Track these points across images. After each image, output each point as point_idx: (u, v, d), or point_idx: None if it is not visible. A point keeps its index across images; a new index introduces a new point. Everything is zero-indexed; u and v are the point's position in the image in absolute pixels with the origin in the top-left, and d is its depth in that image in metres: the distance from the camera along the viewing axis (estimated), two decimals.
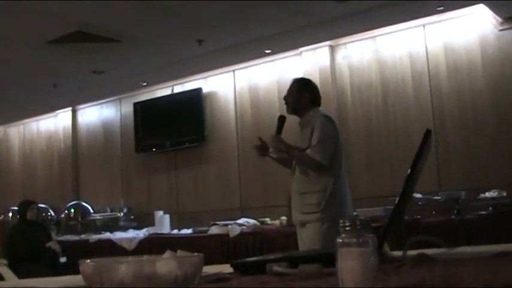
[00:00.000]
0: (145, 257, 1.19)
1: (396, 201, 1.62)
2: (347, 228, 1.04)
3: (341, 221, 1.05)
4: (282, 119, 4.65)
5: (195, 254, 1.15)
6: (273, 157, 4.82)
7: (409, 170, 1.59)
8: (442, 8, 6.32)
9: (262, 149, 4.75)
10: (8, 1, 5.29)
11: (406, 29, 7.01)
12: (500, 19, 6.40)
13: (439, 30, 6.84)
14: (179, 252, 1.23)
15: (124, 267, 1.05)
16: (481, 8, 6.36)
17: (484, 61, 6.53)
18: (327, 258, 1.31)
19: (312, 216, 4.40)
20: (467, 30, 6.66)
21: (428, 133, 1.68)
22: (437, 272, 1.31)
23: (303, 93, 4.67)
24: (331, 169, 4.44)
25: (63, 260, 7.16)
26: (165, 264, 1.07)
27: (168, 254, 1.20)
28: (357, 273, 1.01)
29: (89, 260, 1.09)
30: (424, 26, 6.91)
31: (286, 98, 4.75)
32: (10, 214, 9.39)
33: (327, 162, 4.40)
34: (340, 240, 1.04)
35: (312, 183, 4.46)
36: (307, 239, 4.45)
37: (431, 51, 6.88)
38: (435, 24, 6.84)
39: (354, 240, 1.03)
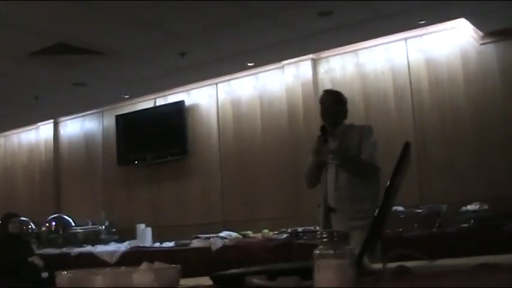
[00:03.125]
0: (122, 269, 1.18)
1: (376, 213, 1.62)
2: (324, 240, 1.04)
3: (318, 233, 1.05)
4: (325, 129, 4.62)
5: (172, 265, 1.14)
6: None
7: (388, 182, 1.59)
8: (423, 21, 6.36)
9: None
10: None
11: (388, 42, 7.05)
12: (481, 33, 6.45)
13: (421, 44, 6.88)
14: (156, 264, 1.22)
15: (100, 279, 1.03)
16: (463, 22, 6.41)
17: (465, 75, 6.58)
18: (305, 271, 1.31)
19: (363, 222, 4.13)
20: (449, 44, 6.71)
21: (407, 145, 1.68)
22: (416, 284, 1.31)
23: (343, 105, 4.84)
24: (377, 175, 4.60)
25: (45, 275, 7.07)
26: (142, 275, 1.06)
27: (145, 265, 1.19)
28: (334, 285, 1.00)
29: (65, 272, 1.08)
30: (406, 39, 6.95)
31: (327, 110, 4.78)
32: None
33: (379, 167, 4.57)
34: (318, 252, 1.03)
35: (362, 189, 4.56)
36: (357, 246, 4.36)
37: (413, 65, 6.92)
38: (417, 38, 6.88)
39: (331, 252, 1.02)
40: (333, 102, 4.81)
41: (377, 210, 1.62)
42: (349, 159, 4.67)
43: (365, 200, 4.46)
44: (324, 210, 4.66)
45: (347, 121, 4.85)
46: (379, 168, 4.55)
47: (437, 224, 5.78)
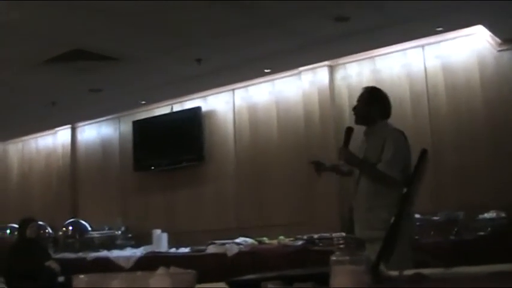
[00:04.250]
0: (138, 273, 1.18)
1: (392, 221, 1.62)
2: (341, 246, 1.04)
3: (335, 239, 1.05)
4: (349, 131, 4.44)
5: (188, 270, 1.14)
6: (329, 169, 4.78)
7: (405, 190, 1.59)
8: (441, 28, 6.34)
9: (318, 165, 4.74)
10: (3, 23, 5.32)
11: (405, 49, 7.03)
12: (499, 40, 6.42)
13: (438, 50, 6.85)
14: (172, 269, 1.23)
15: (117, 283, 1.04)
16: (480, 29, 6.38)
17: (482, 82, 6.55)
18: (321, 277, 1.31)
19: (378, 233, 3.71)
20: (466, 51, 6.68)
21: (424, 153, 1.68)
22: None
23: (373, 103, 4.56)
24: (400, 184, 4.20)
25: (61, 279, 7.11)
26: (158, 280, 1.07)
27: (161, 270, 1.19)
28: None
29: (82, 275, 1.09)
30: (423, 46, 6.93)
31: (355, 108, 4.63)
32: (8, 231, 9.34)
33: (399, 178, 4.19)
34: (334, 258, 1.03)
35: (380, 198, 4.26)
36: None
37: (430, 72, 6.89)
38: (434, 44, 6.86)
39: (347, 258, 1.02)
40: (362, 100, 4.60)
41: (393, 218, 1.61)
42: (358, 165, 4.46)
43: (383, 208, 4.15)
44: (348, 214, 4.57)
45: (390, 121, 4.60)
46: (396, 180, 4.17)
47: (454, 232, 5.74)
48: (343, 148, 4.39)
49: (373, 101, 4.58)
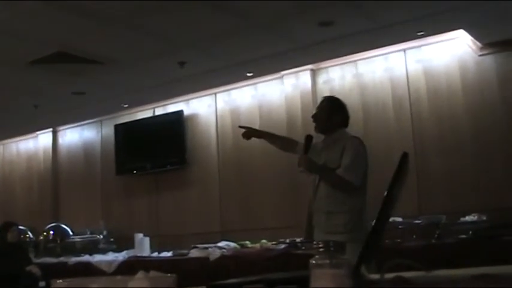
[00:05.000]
0: (118, 277, 1.18)
1: (373, 224, 1.62)
2: (320, 250, 1.04)
3: (314, 242, 1.04)
4: (309, 138, 4.48)
5: (168, 274, 1.14)
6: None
7: (386, 192, 1.59)
8: (422, 32, 6.37)
9: (247, 133, 4.93)
10: None
11: (387, 53, 7.06)
12: (480, 44, 6.47)
13: (420, 55, 6.90)
14: (152, 273, 1.22)
15: (96, 286, 1.03)
16: (461, 33, 6.42)
17: (464, 86, 6.59)
18: (303, 281, 1.30)
19: (338, 237, 3.97)
20: (448, 55, 6.72)
21: (404, 156, 1.69)
22: None
23: (335, 113, 4.59)
24: (360, 189, 4.37)
25: (42, 284, 7.06)
26: (137, 284, 1.06)
27: (140, 274, 1.18)
28: None
29: (61, 280, 1.08)
30: (405, 50, 6.96)
31: (315, 116, 4.64)
32: None
33: (358, 184, 4.33)
34: (313, 262, 1.03)
35: (340, 203, 4.34)
36: None
37: (411, 76, 6.93)
38: (416, 49, 6.90)
39: (327, 261, 1.02)
40: (323, 109, 4.63)
41: (374, 221, 1.62)
42: (318, 172, 4.49)
43: (343, 214, 4.30)
44: (307, 219, 4.60)
45: (348, 130, 4.65)
46: (355, 185, 4.31)
47: (436, 235, 5.77)
48: (303, 155, 4.43)
49: (334, 111, 4.61)
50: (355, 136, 4.59)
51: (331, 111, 4.59)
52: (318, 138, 4.61)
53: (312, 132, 4.63)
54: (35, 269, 7.17)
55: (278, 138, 5.09)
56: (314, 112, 4.70)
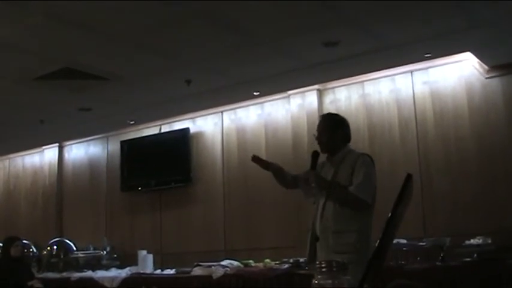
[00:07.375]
0: None
1: (377, 244, 1.61)
2: (323, 270, 1.03)
3: (317, 263, 1.04)
4: (316, 155, 4.43)
5: None
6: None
7: (390, 214, 1.59)
8: (429, 54, 6.38)
9: (261, 161, 4.93)
10: None
11: (394, 74, 7.06)
12: (486, 67, 6.47)
13: (427, 76, 6.90)
14: None
15: None
16: (468, 55, 6.43)
17: (470, 108, 6.59)
18: None
19: (347, 257, 3.61)
20: (454, 77, 6.72)
21: (409, 177, 1.68)
22: None
23: (335, 131, 4.53)
24: (369, 208, 4.29)
25: None
26: None
27: None
28: None
29: None
30: (411, 72, 6.97)
31: (319, 138, 4.57)
32: None
33: (371, 201, 4.26)
34: (316, 282, 1.02)
35: (348, 222, 4.23)
36: None
37: (418, 97, 6.93)
38: (422, 70, 6.90)
39: (330, 281, 1.01)
40: (324, 128, 4.57)
41: (378, 242, 1.61)
42: (328, 188, 4.37)
43: (352, 233, 4.19)
44: (310, 238, 4.46)
45: (351, 146, 4.58)
46: (367, 203, 4.24)
47: (441, 257, 5.75)
48: (310, 171, 4.39)
49: (335, 129, 4.55)
50: (365, 153, 4.55)
51: (332, 130, 4.54)
52: (324, 157, 4.58)
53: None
54: (37, 284, 7.15)
55: (284, 177, 4.91)
56: (316, 135, 4.62)
